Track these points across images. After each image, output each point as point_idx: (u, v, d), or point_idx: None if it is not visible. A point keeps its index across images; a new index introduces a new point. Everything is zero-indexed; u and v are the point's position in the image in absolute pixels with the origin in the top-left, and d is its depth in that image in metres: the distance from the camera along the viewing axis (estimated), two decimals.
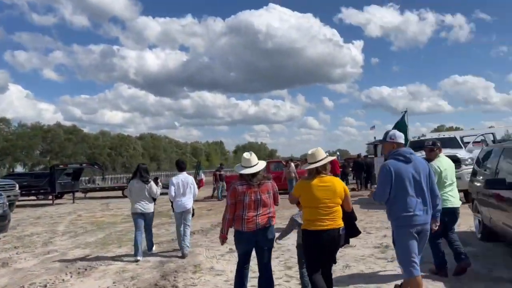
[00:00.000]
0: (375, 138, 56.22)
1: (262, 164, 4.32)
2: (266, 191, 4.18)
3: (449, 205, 4.96)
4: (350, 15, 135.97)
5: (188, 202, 7.22)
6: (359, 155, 22.26)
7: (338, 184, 3.86)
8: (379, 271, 5.38)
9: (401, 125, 15.40)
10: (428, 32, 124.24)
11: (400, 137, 4.02)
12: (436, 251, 4.90)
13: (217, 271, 5.86)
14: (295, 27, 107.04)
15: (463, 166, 10.74)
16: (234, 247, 7.07)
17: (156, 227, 9.42)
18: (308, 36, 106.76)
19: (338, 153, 47.31)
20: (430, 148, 5.23)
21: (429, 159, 5.07)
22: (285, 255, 6.52)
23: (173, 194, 7.14)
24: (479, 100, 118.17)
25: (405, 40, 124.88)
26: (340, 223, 3.80)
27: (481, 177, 6.55)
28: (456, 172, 5.46)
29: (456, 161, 9.45)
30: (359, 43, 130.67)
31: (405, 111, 15.05)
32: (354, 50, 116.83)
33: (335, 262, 4.14)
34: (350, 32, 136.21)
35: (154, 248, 7.42)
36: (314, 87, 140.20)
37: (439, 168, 5.00)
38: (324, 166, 3.90)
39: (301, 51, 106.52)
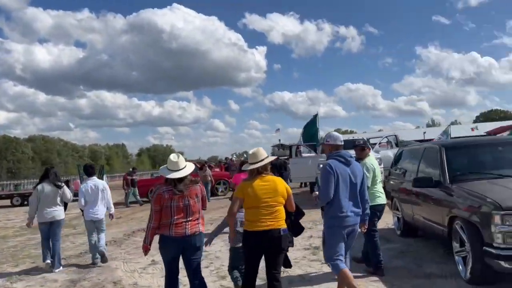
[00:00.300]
0: (279, 140, 57.52)
1: (190, 167, 3.99)
2: (195, 195, 3.89)
3: (381, 201, 5.15)
4: (253, 21, 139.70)
5: (101, 210, 6.58)
6: None
7: (279, 183, 3.76)
8: (316, 273, 5.25)
9: (311, 127, 15.90)
10: (324, 42, 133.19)
11: (336, 138, 4.09)
12: (374, 250, 4.91)
13: (142, 287, 5.22)
14: (200, 29, 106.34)
15: None
16: (156, 259, 6.51)
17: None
18: (213, 39, 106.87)
19: (245, 155, 47.87)
20: (362, 147, 5.26)
21: (360, 158, 5.10)
22: (215, 263, 6.09)
23: (82, 203, 6.42)
24: (368, 106, 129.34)
25: (305, 48, 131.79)
26: (282, 224, 3.67)
27: (403, 176, 6.83)
28: None
29: None
30: (263, 49, 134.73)
31: (316, 114, 15.56)
32: (258, 56, 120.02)
33: (290, 266, 3.98)
34: (254, 38, 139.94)
35: (61, 265, 6.45)
36: (220, 90, 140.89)
37: (373, 166, 5.12)
38: (265, 166, 3.78)
39: (206, 54, 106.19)
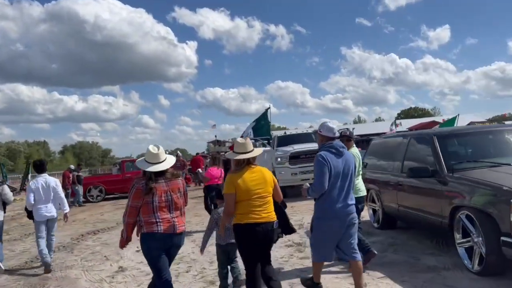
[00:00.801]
0: (216, 136, 56.91)
1: (171, 160, 3.69)
2: (177, 189, 3.63)
3: (362, 194, 5.14)
4: (183, 15, 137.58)
5: (52, 208, 5.88)
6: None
7: (266, 172, 3.73)
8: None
9: (263, 121, 15.57)
10: (255, 39, 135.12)
11: (328, 130, 3.96)
12: (360, 241, 4.65)
13: None
14: (127, 21, 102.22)
15: None
16: (124, 265, 5.75)
17: None
18: (141, 32, 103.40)
19: (178, 152, 46.30)
20: (348, 138, 5.05)
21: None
22: (194, 266, 5.48)
23: (31, 201, 5.57)
24: (298, 104, 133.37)
25: (236, 45, 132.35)
26: (274, 217, 3.63)
27: (382, 168, 6.69)
28: None
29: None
30: (193, 44, 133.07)
31: (268, 108, 15.30)
32: (189, 51, 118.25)
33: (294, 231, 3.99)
34: (184, 32, 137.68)
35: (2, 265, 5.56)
36: (149, 85, 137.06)
37: (359, 157, 5.08)
38: (254, 157, 3.70)
39: (133, 47, 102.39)
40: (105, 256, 6.47)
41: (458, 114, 20.14)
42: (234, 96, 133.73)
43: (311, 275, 4.14)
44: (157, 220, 3.44)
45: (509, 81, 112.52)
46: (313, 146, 11.15)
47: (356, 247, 3.94)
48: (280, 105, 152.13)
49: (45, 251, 5.66)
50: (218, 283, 4.45)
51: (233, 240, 3.88)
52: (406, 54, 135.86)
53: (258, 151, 3.80)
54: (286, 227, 3.86)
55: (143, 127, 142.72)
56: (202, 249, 4.39)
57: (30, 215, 5.86)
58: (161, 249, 3.48)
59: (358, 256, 3.90)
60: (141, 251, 3.61)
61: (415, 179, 5.35)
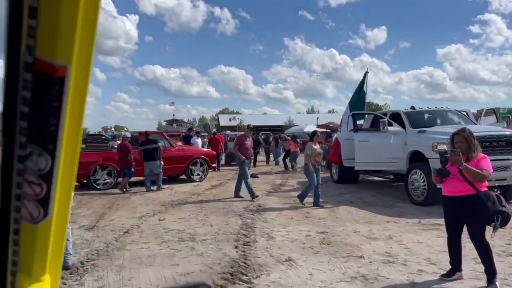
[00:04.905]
0: (173, 115, 54.70)
1: None
2: None
3: None
4: None
5: None
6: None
7: None
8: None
9: (359, 91, 12.56)
10: (199, 21, 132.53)
11: None
12: None
13: None
14: None
15: None
16: None
17: None
18: None
19: (126, 128, 43.80)
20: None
21: None
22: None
23: None
24: (240, 90, 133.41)
25: (179, 24, 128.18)
26: None
27: None
28: None
29: None
30: (134, 18, 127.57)
31: (366, 72, 12.62)
32: (129, 24, 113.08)
33: None
34: (123, 4, 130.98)
35: None
36: None
37: None
38: None
39: None
40: None
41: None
42: (175, 76, 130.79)
43: None
44: None
45: (436, 86, 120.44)
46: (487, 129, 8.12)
47: None
48: (222, 90, 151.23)
49: None
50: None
51: None
52: (345, 51, 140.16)
53: None
54: None
55: None
56: None
57: None
58: None
59: None
60: None
61: None
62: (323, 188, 9.50)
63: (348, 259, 4.82)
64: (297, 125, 41.05)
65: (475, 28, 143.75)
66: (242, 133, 12.34)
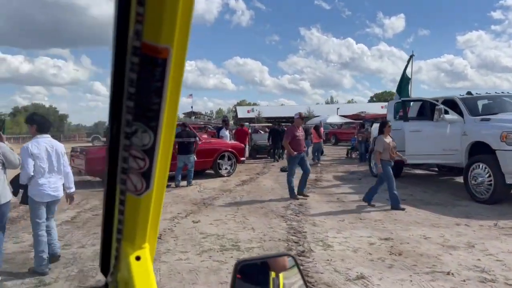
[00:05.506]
0: (192, 107, 54.95)
1: None
2: None
3: None
4: None
5: (59, 184, 4.53)
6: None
7: None
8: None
9: (405, 75, 12.28)
10: (214, 12, 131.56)
11: None
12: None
13: None
14: None
15: None
16: None
17: None
18: None
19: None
20: None
21: None
22: None
23: (31, 171, 4.22)
24: (256, 82, 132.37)
25: (194, 16, 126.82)
26: None
27: None
28: None
29: None
30: None
31: (412, 55, 12.31)
32: None
33: None
34: None
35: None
36: (102, 51, 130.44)
37: None
38: None
39: (85, 10, 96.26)
40: None
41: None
42: (191, 68, 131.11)
43: None
44: None
45: (456, 74, 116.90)
46: None
47: None
48: (238, 82, 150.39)
49: (46, 244, 4.32)
50: None
51: None
52: (362, 40, 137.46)
53: None
54: None
55: (95, 94, 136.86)
56: None
57: (24, 195, 4.41)
58: None
59: None
60: None
61: None
62: (363, 184, 8.61)
63: (434, 276, 3.94)
64: (318, 115, 40.34)
65: (497, 14, 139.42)
66: (263, 124, 11.26)
